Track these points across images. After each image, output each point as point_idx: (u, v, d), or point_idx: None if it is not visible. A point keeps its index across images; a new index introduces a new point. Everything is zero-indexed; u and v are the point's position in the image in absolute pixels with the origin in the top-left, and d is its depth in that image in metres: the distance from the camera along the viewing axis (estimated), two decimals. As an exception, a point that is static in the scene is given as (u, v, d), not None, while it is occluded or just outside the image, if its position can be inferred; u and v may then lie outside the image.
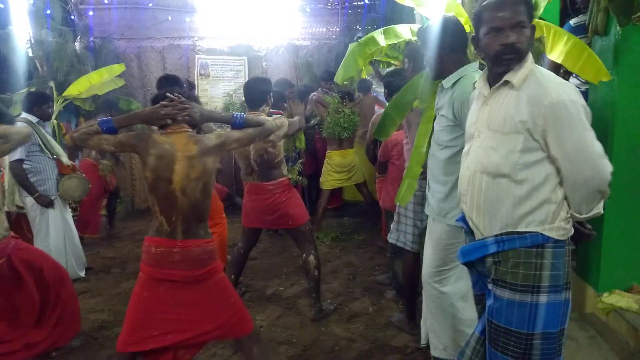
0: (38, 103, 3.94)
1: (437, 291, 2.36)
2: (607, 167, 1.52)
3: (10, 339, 2.59)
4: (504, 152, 1.59)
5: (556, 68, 2.95)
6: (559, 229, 1.57)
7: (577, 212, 1.59)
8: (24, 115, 3.92)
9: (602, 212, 1.61)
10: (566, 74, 3.08)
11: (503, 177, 1.59)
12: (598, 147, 1.51)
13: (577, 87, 2.97)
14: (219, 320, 2.14)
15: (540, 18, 2.62)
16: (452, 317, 2.36)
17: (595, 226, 2.82)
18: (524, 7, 1.60)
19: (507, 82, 1.61)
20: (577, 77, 2.93)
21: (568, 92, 1.53)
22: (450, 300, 2.35)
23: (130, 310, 2.12)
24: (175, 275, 2.06)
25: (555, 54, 2.38)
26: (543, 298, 1.57)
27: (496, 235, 1.62)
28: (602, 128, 2.77)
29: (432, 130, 2.32)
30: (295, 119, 3.41)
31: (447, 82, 2.18)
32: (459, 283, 2.32)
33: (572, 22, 3.01)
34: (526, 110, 1.54)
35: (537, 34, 2.44)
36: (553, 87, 1.53)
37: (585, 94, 2.94)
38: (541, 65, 2.87)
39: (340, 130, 4.98)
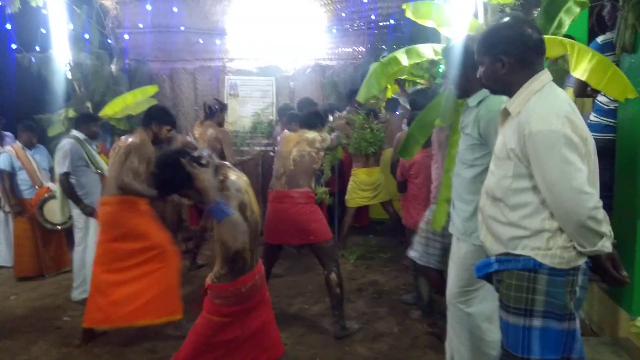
0: (87, 122, 4.28)
1: (462, 312, 2.32)
2: (586, 201, 1.45)
3: None
4: (499, 176, 1.64)
5: (582, 86, 2.92)
6: (555, 256, 1.53)
7: (579, 245, 1.52)
8: (74, 132, 4.20)
9: (608, 250, 1.52)
10: (594, 92, 3.04)
11: (499, 201, 1.64)
12: (578, 180, 1.46)
13: (605, 105, 2.95)
14: (272, 337, 2.28)
15: (567, 35, 2.61)
16: (478, 339, 2.32)
17: (628, 248, 2.75)
18: (478, 46, 1.72)
19: (506, 110, 1.67)
20: (605, 95, 2.88)
21: (550, 121, 1.49)
22: (475, 322, 2.31)
23: (197, 353, 2.16)
24: (261, 296, 2.22)
25: (580, 72, 2.36)
26: (537, 322, 1.54)
27: (498, 255, 1.65)
28: (633, 146, 2.71)
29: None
30: (334, 135, 3.81)
31: (472, 101, 2.19)
32: (485, 304, 2.29)
33: (599, 39, 2.98)
34: (514, 138, 1.57)
35: (561, 52, 2.44)
36: (536, 116, 1.52)
37: (614, 112, 2.88)
38: (565, 83, 2.87)
39: (367, 146, 5.00)
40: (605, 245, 1.50)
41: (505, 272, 1.61)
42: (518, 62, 1.62)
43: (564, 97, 1.60)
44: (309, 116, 3.75)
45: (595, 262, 1.56)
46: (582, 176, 1.46)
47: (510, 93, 1.66)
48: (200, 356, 2.16)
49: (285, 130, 4.75)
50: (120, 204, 3.29)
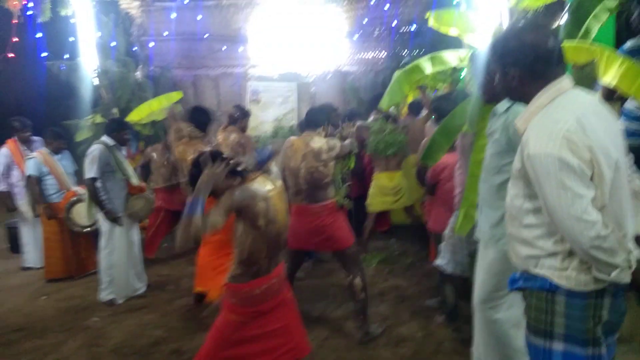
0: (117, 129, 4.35)
1: (489, 318, 2.32)
2: (586, 230, 1.35)
3: None
4: (512, 195, 1.61)
5: (609, 92, 2.89)
6: (570, 278, 1.45)
7: (596, 270, 1.41)
8: (104, 138, 4.29)
9: (625, 282, 1.40)
10: (621, 98, 3.01)
11: (515, 219, 1.60)
12: (576, 207, 1.35)
13: (633, 112, 2.92)
14: (297, 337, 2.31)
15: (594, 41, 2.61)
16: (505, 345, 2.31)
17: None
18: (491, 54, 1.65)
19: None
20: (634, 100, 2.85)
21: (546, 144, 1.40)
22: (503, 328, 2.30)
23: (217, 349, 2.22)
24: (277, 301, 2.25)
25: (609, 78, 2.34)
26: (558, 345, 1.48)
27: (522, 271, 1.61)
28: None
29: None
30: (347, 142, 3.63)
31: (500, 107, 2.18)
32: (512, 310, 2.28)
33: (626, 45, 2.95)
34: (519, 157, 1.52)
35: (588, 58, 2.43)
36: (534, 137, 1.45)
37: (642, 118, 2.86)
38: (594, 89, 2.84)
39: (385, 147, 4.98)
40: (621, 277, 1.38)
41: (526, 291, 1.57)
42: (528, 74, 1.54)
43: (576, 109, 1.46)
44: (312, 114, 3.55)
45: (632, 279, 1.43)
46: (582, 202, 1.35)
47: (527, 102, 1.58)
48: (222, 352, 2.21)
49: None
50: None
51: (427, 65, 2.99)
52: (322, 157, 3.34)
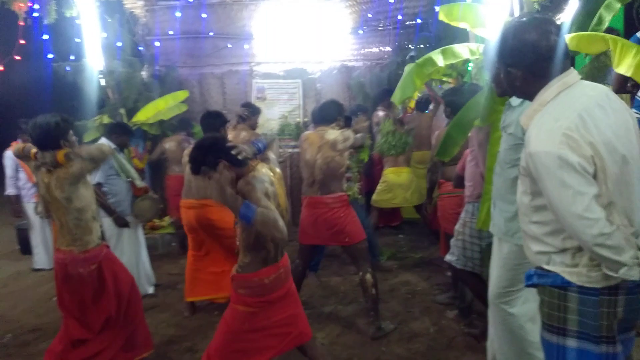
0: (120, 133, 4.35)
1: (505, 312, 2.31)
2: (588, 228, 1.33)
3: (81, 337, 2.86)
4: (520, 192, 1.59)
5: (623, 81, 2.87)
6: (581, 275, 1.43)
7: (605, 268, 1.39)
8: (104, 140, 4.26)
9: (634, 279, 1.36)
10: (634, 88, 2.98)
11: (524, 215, 1.59)
12: (577, 205, 1.34)
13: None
14: (301, 325, 2.35)
15: (610, 29, 2.58)
16: (521, 339, 2.30)
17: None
18: (497, 48, 1.59)
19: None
20: (647, 90, 2.84)
21: (545, 142, 1.39)
22: (518, 322, 2.29)
23: (227, 342, 2.24)
24: (284, 290, 2.27)
25: (624, 67, 2.31)
26: (571, 342, 1.46)
27: (536, 268, 1.59)
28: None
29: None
30: (359, 135, 3.69)
31: (515, 100, 2.15)
32: (528, 304, 2.27)
33: (639, 34, 2.92)
34: (524, 155, 1.50)
35: (602, 48, 2.41)
36: (535, 134, 1.43)
37: (657, 108, 2.83)
38: (607, 79, 2.82)
39: (388, 148, 4.99)
40: (630, 274, 1.35)
41: (539, 287, 1.55)
42: (530, 74, 1.51)
43: (579, 104, 1.42)
44: (325, 109, 3.57)
45: None
46: (583, 200, 1.33)
47: (532, 99, 1.55)
48: (231, 345, 2.23)
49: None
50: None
51: (439, 59, 2.96)
52: (338, 147, 3.40)
